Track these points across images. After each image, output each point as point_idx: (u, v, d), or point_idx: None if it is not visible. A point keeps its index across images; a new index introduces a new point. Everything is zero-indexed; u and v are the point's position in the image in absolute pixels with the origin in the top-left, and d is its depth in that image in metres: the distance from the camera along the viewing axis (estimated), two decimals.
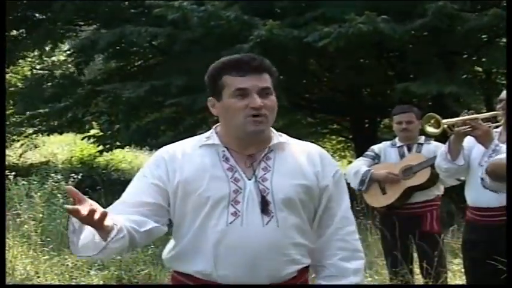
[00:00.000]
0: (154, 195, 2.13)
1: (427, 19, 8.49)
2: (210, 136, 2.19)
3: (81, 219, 1.88)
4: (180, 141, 2.24)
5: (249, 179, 2.11)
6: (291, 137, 2.26)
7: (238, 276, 2.07)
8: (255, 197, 2.09)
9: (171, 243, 2.22)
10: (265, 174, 2.12)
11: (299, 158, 2.18)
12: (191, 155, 2.15)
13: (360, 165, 4.76)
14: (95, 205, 1.90)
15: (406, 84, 8.78)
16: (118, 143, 13.17)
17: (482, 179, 3.42)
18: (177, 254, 2.17)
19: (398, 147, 4.74)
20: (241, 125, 2.10)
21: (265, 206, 2.08)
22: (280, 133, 2.22)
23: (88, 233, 1.97)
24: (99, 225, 1.90)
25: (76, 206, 1.86)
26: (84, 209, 1.86)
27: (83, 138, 14.09)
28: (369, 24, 8.21)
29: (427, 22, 8.52)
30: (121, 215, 2.05)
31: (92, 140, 13.99)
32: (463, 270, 4.26)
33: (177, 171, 2.13)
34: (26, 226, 6.09)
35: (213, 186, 2.09)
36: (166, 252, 2.23)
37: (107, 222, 1.92)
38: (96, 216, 1.87)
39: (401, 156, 4.71)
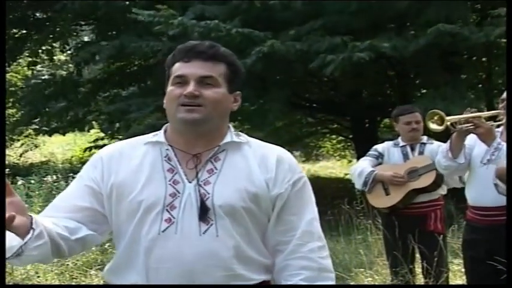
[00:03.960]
0: (88, 199, 1.90)
1: (429, 40, 8.44)
2: (158, 133, 1.95)
3: None
4: (127, 140, 2.01)
5: (190, 182, 1.86)
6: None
7: None
8: (194, 202, 1.83)
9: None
10: (209, 177, 1.86)
11: (251, 162, 1.91)
12: (131, 155, 1.92)
13: (365, 165, 4.73)
14: (16, 202, 1.70)
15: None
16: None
17: (496, 184, 3.41)
18: (112, 266, 1.94)
19: (401, 146, 4.72)
20: (174, 114, 1.87)
21: (203, 213, 1.82)
22: (238, 132, 1.97)
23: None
24: (8, 227, 1.67)
25: None
26: None
27: (89, 149, 13.99)
28: (372, 51, 8.31)
29: (428, 42, 8.48)
30: (50, 219, 1.80)
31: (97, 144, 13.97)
32: (463, 270, 4.25)
33: (112, 173, 1.89)
34: None
35: (147, 189, 1.85)
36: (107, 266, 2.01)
37: (17, 225, 1.67)
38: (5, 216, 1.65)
39: (405, 155, 4.69)
